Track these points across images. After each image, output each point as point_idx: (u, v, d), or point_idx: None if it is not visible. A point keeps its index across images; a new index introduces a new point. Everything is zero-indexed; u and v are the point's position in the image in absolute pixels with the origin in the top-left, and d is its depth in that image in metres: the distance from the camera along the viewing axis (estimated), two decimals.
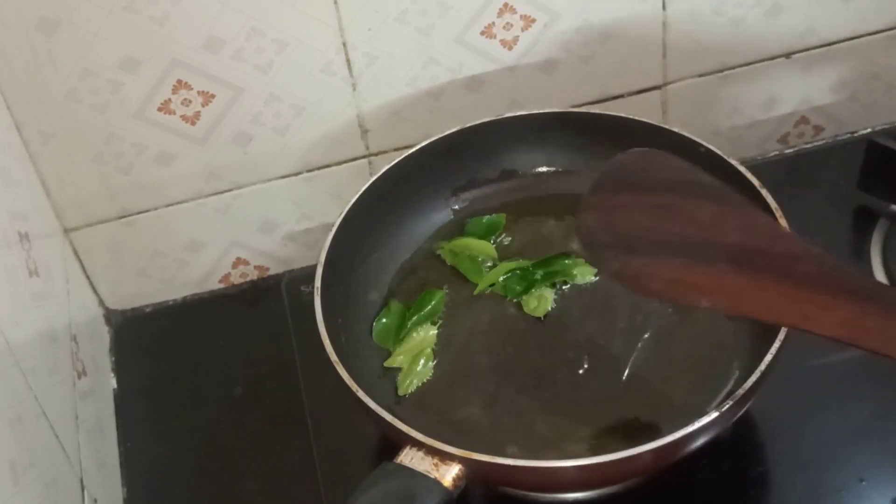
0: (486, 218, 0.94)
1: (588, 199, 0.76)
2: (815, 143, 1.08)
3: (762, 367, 0.72)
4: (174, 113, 0.91)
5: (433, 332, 0.87)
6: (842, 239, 0.96)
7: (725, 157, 0.86)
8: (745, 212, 0.72)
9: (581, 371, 0.83)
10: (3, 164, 0.83)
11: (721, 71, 1.01)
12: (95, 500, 0.83)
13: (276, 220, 1.01)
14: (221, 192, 0.98)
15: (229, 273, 1.04)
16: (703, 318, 0.85)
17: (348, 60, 0.92)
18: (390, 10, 0.90)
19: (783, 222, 0.80)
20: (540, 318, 0.87)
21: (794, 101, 1.05)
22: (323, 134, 0.96)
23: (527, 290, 0.88)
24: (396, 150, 0.97)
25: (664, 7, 0.96)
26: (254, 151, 0.95)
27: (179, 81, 0.89)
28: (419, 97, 0.96)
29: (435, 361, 0.86)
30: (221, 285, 1.05)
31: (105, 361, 0.99)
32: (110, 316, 1.03)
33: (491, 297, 0.90)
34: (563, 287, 0.89)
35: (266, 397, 0.94)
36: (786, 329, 0.73)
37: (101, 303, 1.02)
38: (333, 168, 0.99)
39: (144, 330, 1.02)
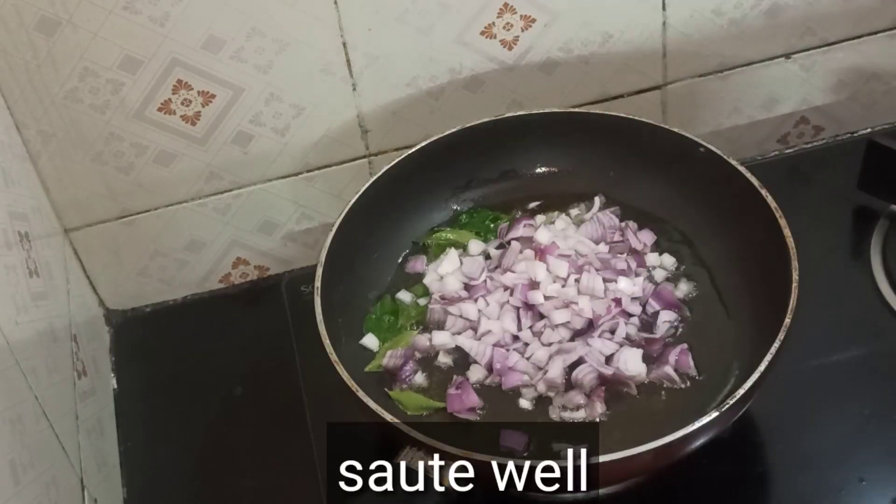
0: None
1: None
2: (815, 143, 1.08)
3: (762, 367, 0.72)
4: (174, 113, 0.91)
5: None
6: (842, 239, 0.96)
7: (725, 157, 0.86)
8: None
9: None
10: (3, 164, 0.83)
11: (721, 71, 1.01)
12: (95, 500, 0.82)
13: (276, 220, 1.01)
14: (221, 193, 0.98)
15: (229, 273, 1.04)
16: (702, 317, 0.85)
17: (348, 60, 0.92)
18: (390, 10, 0.90)
19: (783, 222, 0.80)
20: None
21: (794, 101, 1.05)
22: (323, 134, 0.96)
23: None
24: (396, 150, 0.97)
25: (664, 7, 0.96)
26: (254, 151, 0.95)
27: (179, 81, 0.89)
28: (419, 97, 0.96)
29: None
30: (221, 285, 1.05)
31: (105, 361, 0.98)
32: (110, 316, 1.03)
33: None
34: None
35: (266, 397, 0.94)
36: (786, 329, 0.74)
37: (102, 303, 1.02)
38: (333, 168, 0.99)
39: (144, 330, 1.02)
